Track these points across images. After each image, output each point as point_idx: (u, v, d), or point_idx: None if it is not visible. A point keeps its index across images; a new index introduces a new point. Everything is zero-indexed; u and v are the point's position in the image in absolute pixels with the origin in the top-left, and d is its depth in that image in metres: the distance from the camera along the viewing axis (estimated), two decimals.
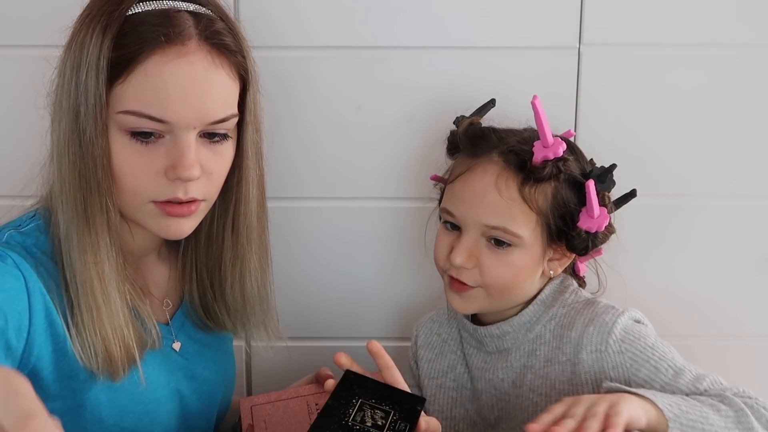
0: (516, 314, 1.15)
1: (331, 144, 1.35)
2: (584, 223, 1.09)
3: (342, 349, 1.16)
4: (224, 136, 0.97)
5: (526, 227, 1.09)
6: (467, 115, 1.23)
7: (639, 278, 1.37)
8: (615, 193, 1.18)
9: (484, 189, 1.09)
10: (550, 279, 1.16)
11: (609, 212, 1.11)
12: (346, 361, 1.03)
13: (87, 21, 0.92)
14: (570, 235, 1.10)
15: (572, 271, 1.22)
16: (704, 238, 1.39)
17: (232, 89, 0.96)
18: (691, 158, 1.35)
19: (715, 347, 1.42)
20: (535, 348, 1.13)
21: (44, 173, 1.00)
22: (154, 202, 0.95)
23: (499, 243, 1.10)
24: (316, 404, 1.14)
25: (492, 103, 1.25)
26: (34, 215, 0.99)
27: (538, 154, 1.08)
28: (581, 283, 1.23)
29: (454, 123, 1.22)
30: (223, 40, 0.94)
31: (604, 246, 1.17)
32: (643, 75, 1.32)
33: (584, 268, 1.24)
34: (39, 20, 1.23)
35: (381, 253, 1.40)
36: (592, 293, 1.22)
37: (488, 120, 1.22)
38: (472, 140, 1.13)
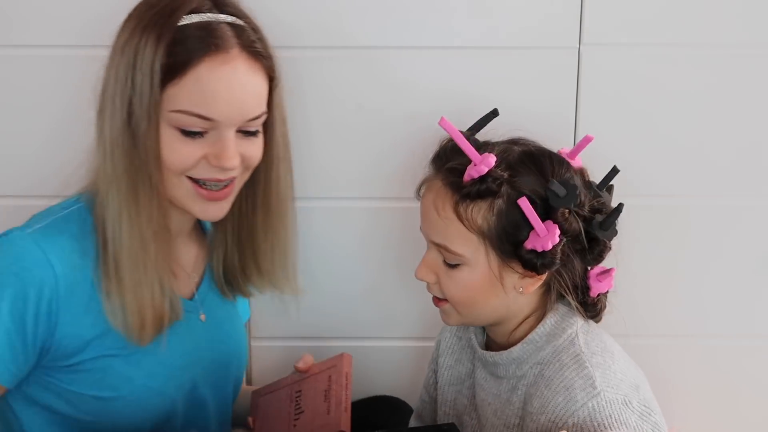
0: (516, 342, 1.09)
1: (330, 144, 1.36)
2: (531, 242, 1.03)
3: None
4: (255, 133, 1.10)
5: (466, 246, 1.05)
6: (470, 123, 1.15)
7: (640, 279, 1.37)
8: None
9: (427, 207, 1.08)
10: (546, 306, 1.09)
11: (566, 231, 1.03)
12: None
13: (139, 29, 1.05)
14: (520, 255, 1.03)
15: (585, 291, 1.11)
16: (704, 239, 1.39)
17: (264, 89, 1.09)
18: (691, 158, 1.36)
19: (721, 347, 1.43)
20: (518, 387, 1.09)
21: (89, 160, 1.11)
22: (190, 178, 1.07)
23: (448, 260, 1.07)
24: (297, 391, 1.22)
25: (494, 113, 1.15)
26: (78, 198, 1.13)
27: (467, 173, 1.04)
28: (594, 314, 1.11)
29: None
30: (257, 48, 1.08)
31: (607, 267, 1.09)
32: (643, 75, 1.32)
33: (598, 289, 1.10)
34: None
35: (380, 255, 1.40)
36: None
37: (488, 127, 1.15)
38: (436, 155, 1.11)
